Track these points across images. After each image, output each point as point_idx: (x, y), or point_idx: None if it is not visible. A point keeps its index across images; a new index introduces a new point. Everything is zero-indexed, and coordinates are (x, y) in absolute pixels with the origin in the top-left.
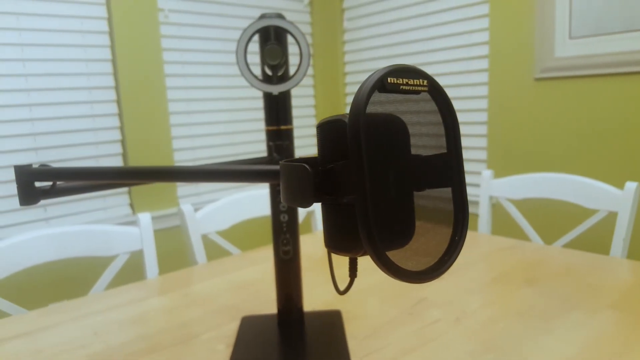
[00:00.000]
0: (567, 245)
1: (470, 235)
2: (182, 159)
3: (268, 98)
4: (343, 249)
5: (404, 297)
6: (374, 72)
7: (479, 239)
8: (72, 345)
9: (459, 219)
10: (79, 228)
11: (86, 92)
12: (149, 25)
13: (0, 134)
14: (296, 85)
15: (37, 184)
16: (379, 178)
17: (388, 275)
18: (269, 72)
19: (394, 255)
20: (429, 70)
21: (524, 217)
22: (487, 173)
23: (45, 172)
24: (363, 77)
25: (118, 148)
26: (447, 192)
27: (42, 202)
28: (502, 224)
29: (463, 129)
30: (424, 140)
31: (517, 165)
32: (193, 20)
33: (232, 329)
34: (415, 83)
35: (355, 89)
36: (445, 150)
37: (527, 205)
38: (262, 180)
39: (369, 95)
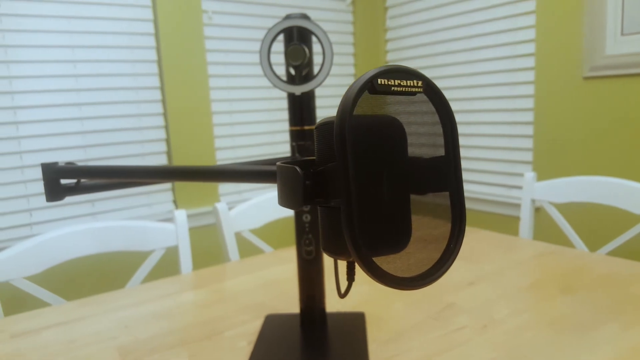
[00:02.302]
0: (612, 253)
1: (509, 239)
2: (224, 157)
3: (292, 98)
4: (337, 253)
5: (432, 301)
6: (365, 73)
7: (518, 244)
8: (103, 337)
9: (456, 224)
10: (118, 223)
11: (133, 92)
12: (193, 26)
13: (52, 132)
14: (318, 85)
15: (62, 182)
16: (369, 181)
17: (375, 281)
18: (292, 72)
19: (384, 260)
20: (472, 68)
21: (568, 222)
22: (529, 175)
23: (70, 170)
24: None
25: (163, 146)
26: (444, 196)
27: (90, 197)
28: (545, 229)
29: (507, 129)
30: (422, 143)
31: (564, 167)
32: (236, 21)
33: (256, 326)
34: (408, 84)
35: None
36: (443, 153)
37: (572, 210)
38: (263, 180)
39: (357, 96)
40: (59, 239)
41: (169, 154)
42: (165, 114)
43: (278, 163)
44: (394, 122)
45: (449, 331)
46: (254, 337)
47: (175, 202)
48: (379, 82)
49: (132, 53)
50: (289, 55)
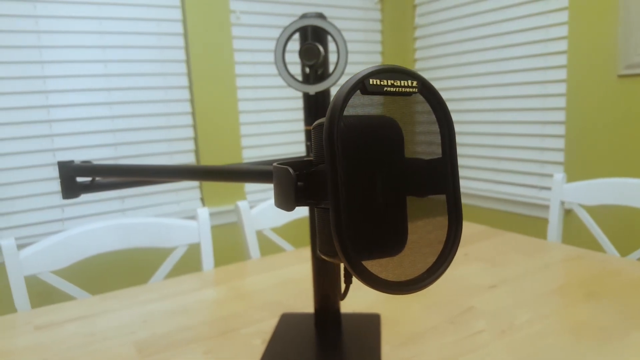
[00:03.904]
0: None
1: (536, 242)
2: (251, 156)
3: (306, 98)
4: (331, 255)
5: (450, 304)
6: (357, 73)
7: (545, 247)
8: (122, 332)
9: (452, 228)
10: (142, 220)
11: (162, 91)
12: (221, 26)
13: (83, 130)
14: (333, 84)
15: (78, 179)
16: (361, 183)
17: (365, 285)
18: (307, 71)
19: (376, 263)
20: (502, 66)
21: (599, 225)
22: (558, 176)
23: (85, 168)
24: (434, 75)
25: (191, 145)
26: (441, 199)
27: (120, 194)
28: (575, 232)
29: (538, 129)
30: (419, 144)
31: (596, 168)
32: (264, 21)
33: (271, 324)
34: (402, 84)
35: None
36: (440, 155)
37: (603, 213)
38: (261, 180)
39: (347, 96)
40: (84, 235)
41: (196, 152)
42: (193, 113)
43: (274, 164)
44: (390, 122)
45: (466, 335)
46: (268, 336)
47: (202, 199)
48: (371, 82)
49: (161, 53)
50: (302, 54)
